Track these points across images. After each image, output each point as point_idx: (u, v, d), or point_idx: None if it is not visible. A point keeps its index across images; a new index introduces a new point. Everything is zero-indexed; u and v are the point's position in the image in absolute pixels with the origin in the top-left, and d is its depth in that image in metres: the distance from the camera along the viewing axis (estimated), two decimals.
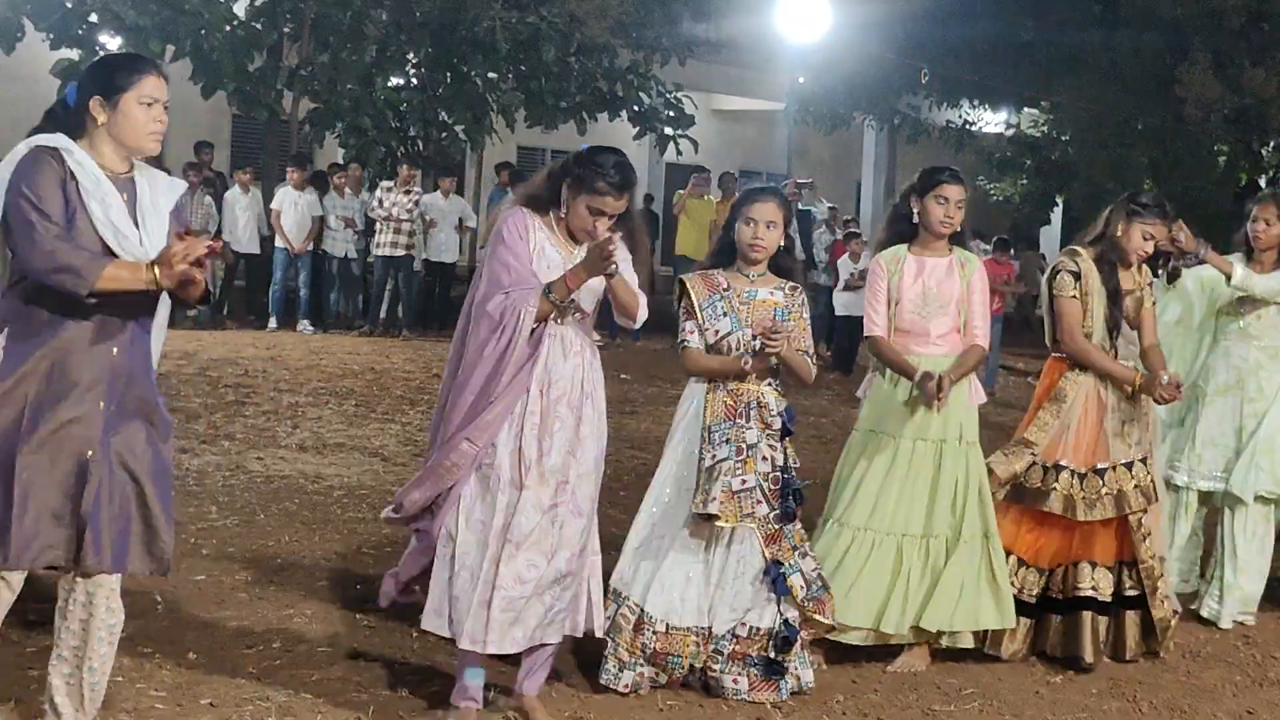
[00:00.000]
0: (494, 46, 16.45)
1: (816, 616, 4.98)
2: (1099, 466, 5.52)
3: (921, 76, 22.74)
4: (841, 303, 14.70)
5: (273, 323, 15.39)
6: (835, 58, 21.88)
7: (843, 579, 5.25)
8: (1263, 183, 23.62)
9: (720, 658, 4.89)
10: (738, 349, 4.91)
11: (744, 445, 4.86)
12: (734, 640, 4.88)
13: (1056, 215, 25.68)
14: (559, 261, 4.45)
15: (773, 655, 4.88)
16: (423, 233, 15.61)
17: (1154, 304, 5.79)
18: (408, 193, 15.33)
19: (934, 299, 5.36)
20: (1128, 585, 5.61)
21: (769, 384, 4.96)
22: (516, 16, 16.57)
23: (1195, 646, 5.99)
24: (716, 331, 4.94)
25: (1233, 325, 6.36)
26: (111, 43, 15.06)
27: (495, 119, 17.43)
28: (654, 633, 4.85)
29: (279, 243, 15.42)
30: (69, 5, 14.58)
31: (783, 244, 5.05)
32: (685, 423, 5.00)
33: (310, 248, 15.59)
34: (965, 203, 5.42)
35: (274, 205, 15.43)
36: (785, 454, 4.93)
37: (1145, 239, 5.60)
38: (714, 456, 4.85)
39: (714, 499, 4.79)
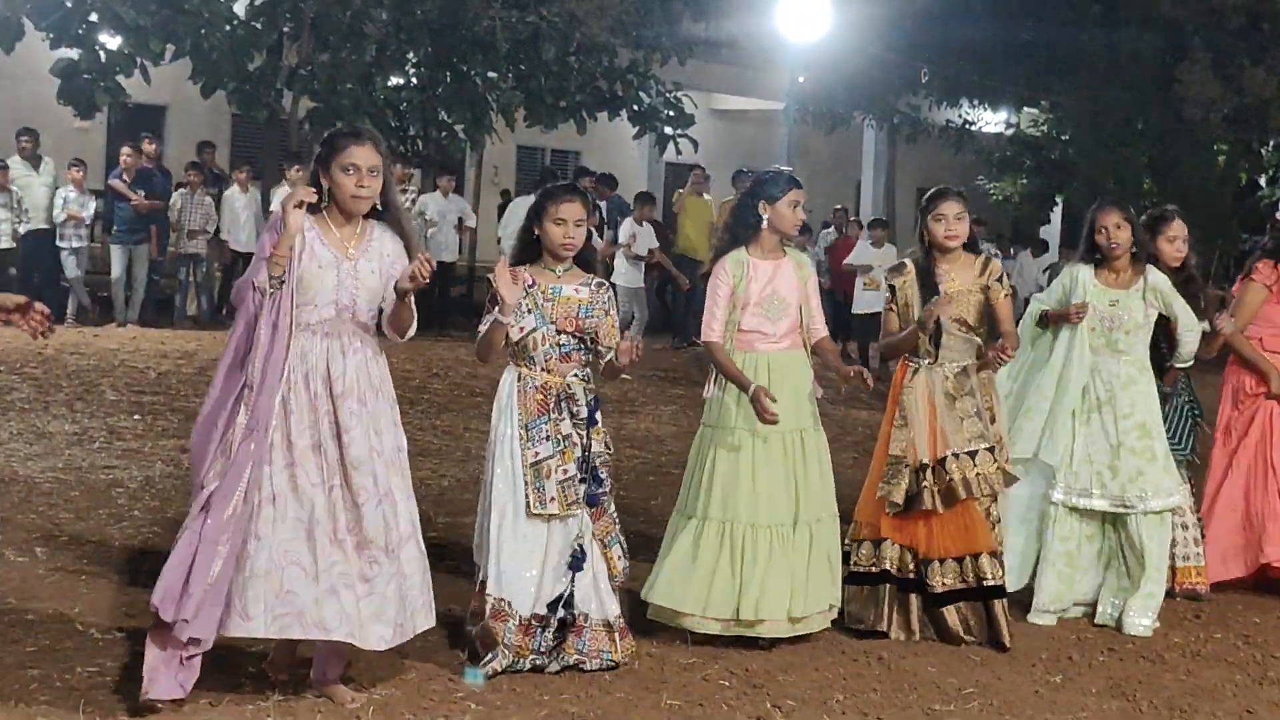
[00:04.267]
0: (494, 46, 16.44)
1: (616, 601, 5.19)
2: (941, 455, 5.74)
3: (921, 76, 22.73)
4: (864, 301, 14.74)
5: None
6: (835, 58, 21.86)
7: (701, 570, 5.45)
8: (1263, 182, 23.66)
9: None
10: (543, 344, 5.07)
11: (560, 437, 5.05)
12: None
13: (1056, 215, 25.69)
14: (330, 259, 4.57)
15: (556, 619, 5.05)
16: (422, 232, 15.60)
17: (1007, 296, 5.92)
18: (403, 191, 15.33)
19: (778, 301, 5.61)
20: (989, 575, 5.77)
21: (575, 375, 5.12)
22: (516, 16, 16.56)
23: (1195, 646, 5.99)
24: (522, 328, 5.07)
25: (1100, 340, 6.24)
26: (111, 42, 15.06)
27: (495, 118, 17.42)
28: (515, 623, 4.98)
29: None
30: (69, 5, 14.56)
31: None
32: (500, 412, 5.14)
33: None
34: (804, 204, 5.67)
35: (274, 206, 15.42)
36: (591, 441, 5.11)
37: (937, 222, 5.84)
38: (536, 454, 5.02)
39: (551, 498, 5.02)
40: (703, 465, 5.58)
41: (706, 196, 17.12)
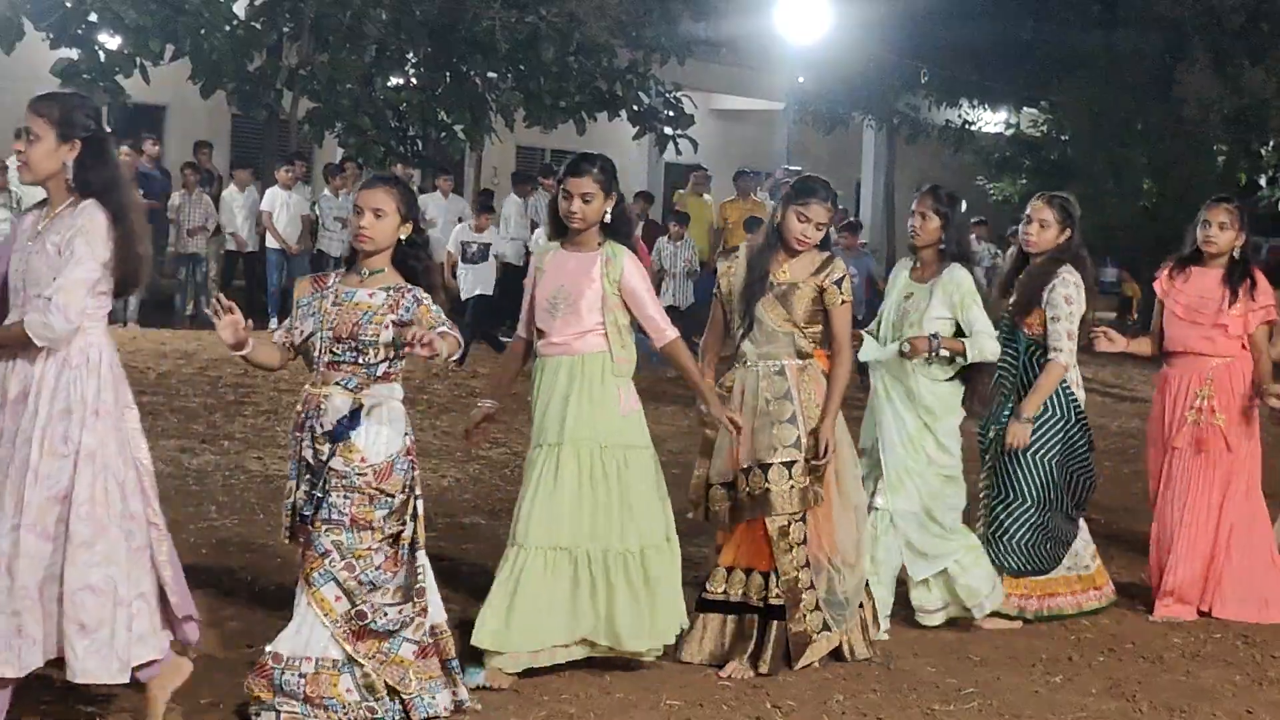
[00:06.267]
0: (493, 46, 16.45)
1: (351, 648, 4.37)
2: (744, 466, 5.24)
3: (921, 76, 22.75)
4: None
5: (273, 323, 15.42)
6: (835, 58, 21.88)
7: (503, 600, 4.93)
8: (1263, 182, 23.66)
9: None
10: (317, 352, 4.46)
11: (298, 457, 4.47)
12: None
13: None
14: (21, 241, 4.21)
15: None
16: None
17: (844, 303, 5.31)
18: None
19: (564, 297, 5.02)
20: (773, 594, 5.27)
21: (339, 383, 4.45)
22: (516, 16, 16.57)
23: (1195, 646, 5.99)
24: (301, 332, 4.50)
25: (890, 334, 5.86)
26: (111, 42, 15.05)
27: (495, 119, 17.43)
28: (300, 675, 4.38)
29: (273, 243, 15.44)
30: (69, 5, 14.56)
31: (407, 237, 4.53)
32: None
33: (305, 247, 15.64)
34: (593, 195, 4.97)
35: (264, 206, 15.45)
36: (335, 458, 4.38)
37: (801, 221, 5.26)
38: (286, 475, 4.54)
39: (284, 525, 4.53)
40: None
41: (707, 197, 17.11)
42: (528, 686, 4.94)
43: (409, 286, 4.48)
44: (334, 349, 4.42)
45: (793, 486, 5.21)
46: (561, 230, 5.12)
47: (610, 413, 5.00)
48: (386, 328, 4.42)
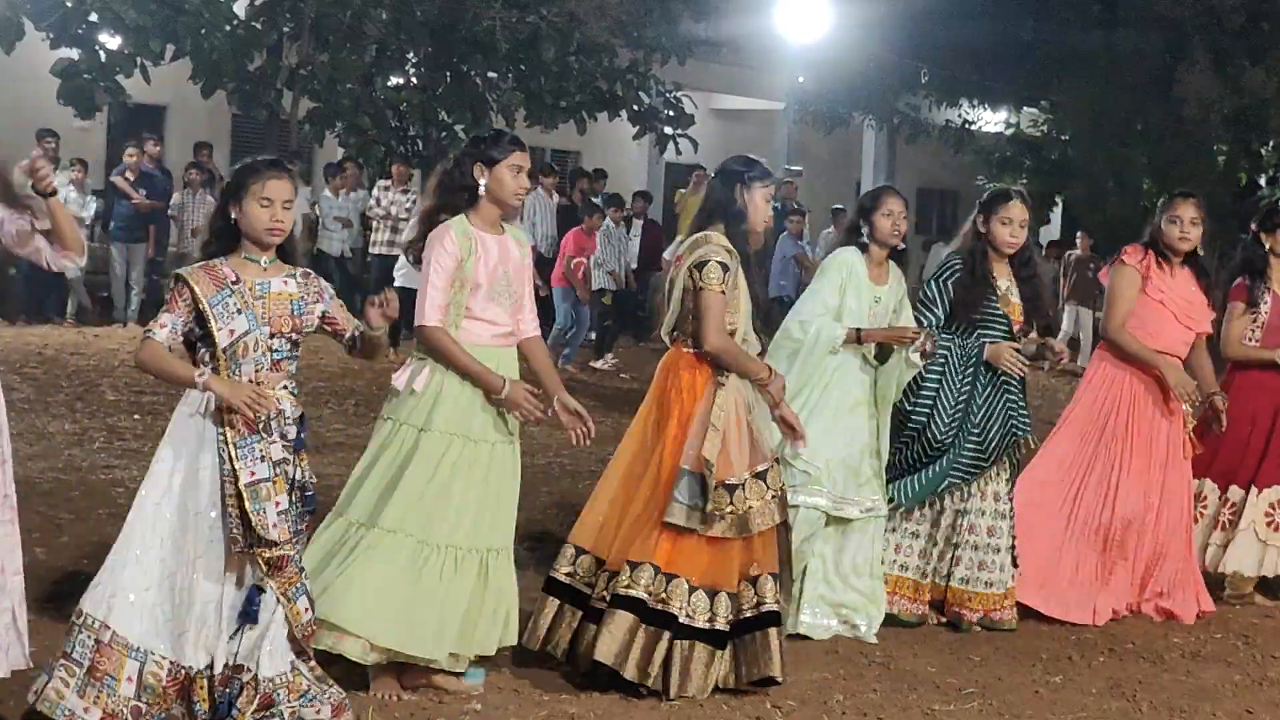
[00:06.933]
0: (494, 46, 16.46)
1: (311, 644, 4.37)
2: (760, 469, 4.97)
3: (921, 76, 22.74)
4: None
5: None
6: (835, 58, 21.88)
7: (391, 593, 4.61)
8: (1262, 182, 23.66)
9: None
10: (254, 350, 4.22)
11: (272, 462, 4.22)
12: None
13: (1056, 215, 25.69)
14: None
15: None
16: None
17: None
18: (405, 191, 15.36)
19: (506, 282, 4.80)
20: (768, 599, 5.02)
21: (285, 387, 4.30)
22: (516, 16, 16.58)
23: (1195, 646, 6.00)
24: (231, 331, 4.20)
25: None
26: (111, 42, 15.06)
27: (495, 118, 17.44)
28: (288, 691, 4.25)
29: None
30: (69, 5, 14.56)
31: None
32: (181, 426, 4.29)
33: (305, 247, 15.67)
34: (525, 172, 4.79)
35: None
36: (299, 470, 4.30)
37: (767, 202, 5.18)
38: (253, 474, 4.18)
39: (274, 524, 4.18)
40: (396, 468, 4.70)
41: None
42: (527, 686, 4.95)
43: (304, 270, 4.39)
44: (272, 345, 4.25)
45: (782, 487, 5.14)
46: (465, 207, 4.80)
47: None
48: (314, 315, 4.35)
